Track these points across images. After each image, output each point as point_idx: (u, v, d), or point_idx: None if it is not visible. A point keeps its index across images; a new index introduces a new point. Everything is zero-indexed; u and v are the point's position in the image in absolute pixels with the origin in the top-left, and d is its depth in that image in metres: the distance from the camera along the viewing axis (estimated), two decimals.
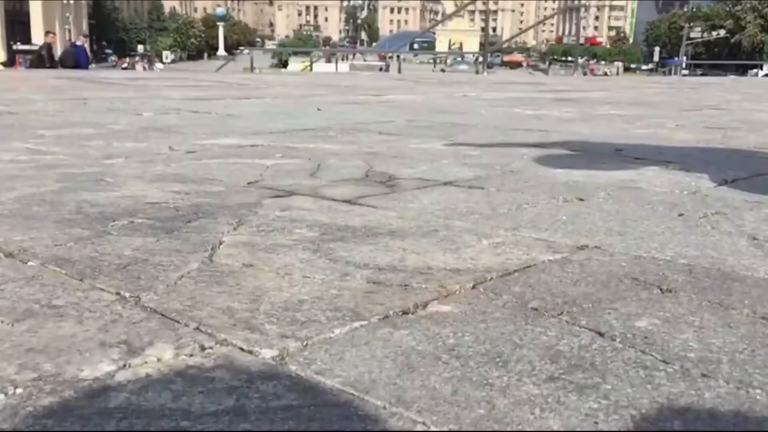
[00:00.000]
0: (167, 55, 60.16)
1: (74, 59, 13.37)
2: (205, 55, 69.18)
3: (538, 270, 1.30)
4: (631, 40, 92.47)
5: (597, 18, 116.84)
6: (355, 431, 0.73)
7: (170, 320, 1.01)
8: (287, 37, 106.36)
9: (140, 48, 59.68)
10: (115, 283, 1.17)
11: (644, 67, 69.77)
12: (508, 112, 5.21)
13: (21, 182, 2.06)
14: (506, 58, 65.40)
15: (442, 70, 34.38)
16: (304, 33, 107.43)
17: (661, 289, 1.20)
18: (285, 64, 41.12)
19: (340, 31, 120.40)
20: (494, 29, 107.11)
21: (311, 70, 23.63)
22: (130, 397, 0.79)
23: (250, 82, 9.38)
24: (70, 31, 39.80)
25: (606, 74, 46.29)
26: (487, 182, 2.21)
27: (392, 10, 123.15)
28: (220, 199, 1.87)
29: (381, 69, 26.64)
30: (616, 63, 69.57)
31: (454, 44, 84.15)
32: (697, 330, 1.02)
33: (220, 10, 73.72)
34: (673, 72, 36.22)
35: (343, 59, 31.52)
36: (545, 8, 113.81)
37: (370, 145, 3.05)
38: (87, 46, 14.96)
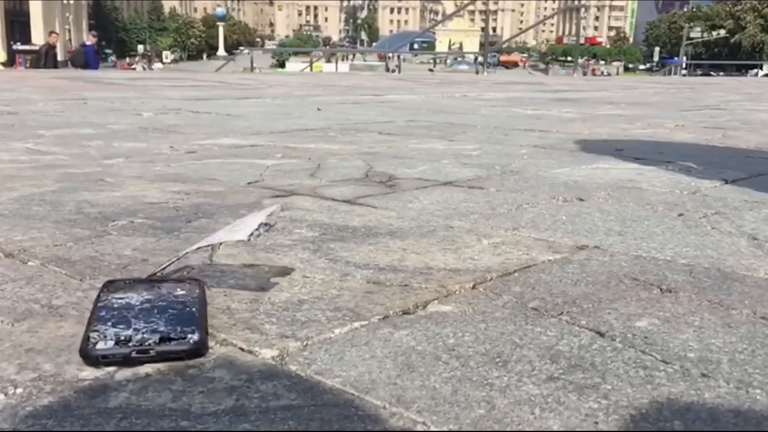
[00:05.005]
0: (167, 55, 60.14)
1: (84, 59, 13.40)
2: (205, 55, 69.17)
3: (538, 270, 1.30)
4: (631, 40, 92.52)
5: (597, 18, 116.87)
6: (355, 431, 0.73)
7: None
8: (287, 37, 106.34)
9: (140, 48, 59.65)
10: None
11: (642, 66, 69.89)
12: (508, 112, 5.21)
13: (21, 182, 2.06)
14: (503, 59, 65.26)
15: (430, 70, 33.66)
16: (304, 33, 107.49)
17: (661, 289, 1.20)
18: (282, 65, 41.03)
19: (340, 31, 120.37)
20: (494, 29, 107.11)
21: (311, 69, 23.63)
22: (130, 397, 0.79)
23: (250, 82, 9.39)
24: (70, 30, 39.77)
25: (603, 73, 46.18)
26: (487, 182, 2.21)
27: (392, 10, 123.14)
28: (220, 199, 1.87)
29: (387, 70, 26.37)
30: (615, 63, 69.64)
31: (454, 44, 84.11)
32: (697, 330, 1.02)
33: (220, 10, 73.80)
34: (672, 72, 36.21)
35: (343, 59, 31.55)
36: (545, 8, 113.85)
37: (370, 145, 3.05)
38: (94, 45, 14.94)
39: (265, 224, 1.09)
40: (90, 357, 0.85)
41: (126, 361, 0.85)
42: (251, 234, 1.08)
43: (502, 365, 0.89)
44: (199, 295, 1.03)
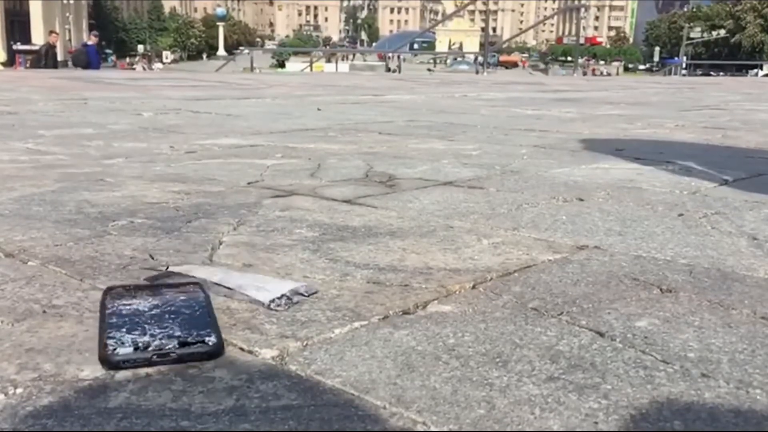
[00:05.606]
0: (167, 55, 60.13)
1: (86, 59, 13.43)
2: (205, 55, 69.17)
3: (538, 270, 1.30)
4: (631, 40, 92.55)
5: (597, 18, 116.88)
6: (355, 431, 0.73)
7: None
8: (287, 37, 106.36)
9: (140, 48, 59.63)
10: (116, 283, 1.17)
11: (642, 66, 70.01)
12: (508, 112, 5.21)
13: (21, 182, 2.06)
14: (503, 59, 65.20)
15: (429, 70, 33.84)
16: (304, 33, 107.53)
17: (661, 289, 1.20)
18: (282, 65, 41.06)
19: (340, 31, 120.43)
20: (494, 29, 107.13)
21: (311, 69, 23.67)
22: (130, 397, 0.79)
23: (250, 82, 9.39)
24: (70, 30, 39.79)
25: (603, 73, 46.16)
26: (487, 182, 2.21)
27: (392, 10, 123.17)
28: (220, 199, 1.87)
29: (387, 70, 26.33)
30: (614, 63, 69.69)
31: (454, 44, 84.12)
32: (697, 330, 1.02)
33: (220, 10, 73.87)
34: (672, 72, 36.22)
35: (343, 59, 31.58)
36: (545, 8, 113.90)
37: (370, 145, 3.05)
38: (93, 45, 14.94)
39: (289, 298, 1.09)
40: (111, 362, 0.85)
41: (147, 365, 0.86)
42: (272, 300, 1.08)
43: (502, 365, 0.89)
44: (205, 298, 1.03)
